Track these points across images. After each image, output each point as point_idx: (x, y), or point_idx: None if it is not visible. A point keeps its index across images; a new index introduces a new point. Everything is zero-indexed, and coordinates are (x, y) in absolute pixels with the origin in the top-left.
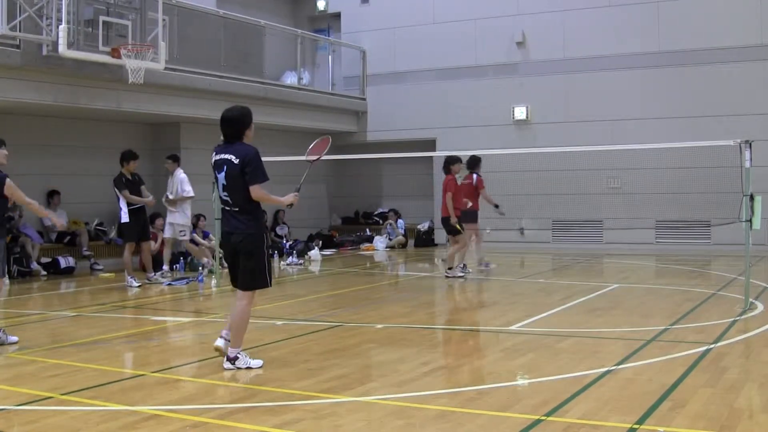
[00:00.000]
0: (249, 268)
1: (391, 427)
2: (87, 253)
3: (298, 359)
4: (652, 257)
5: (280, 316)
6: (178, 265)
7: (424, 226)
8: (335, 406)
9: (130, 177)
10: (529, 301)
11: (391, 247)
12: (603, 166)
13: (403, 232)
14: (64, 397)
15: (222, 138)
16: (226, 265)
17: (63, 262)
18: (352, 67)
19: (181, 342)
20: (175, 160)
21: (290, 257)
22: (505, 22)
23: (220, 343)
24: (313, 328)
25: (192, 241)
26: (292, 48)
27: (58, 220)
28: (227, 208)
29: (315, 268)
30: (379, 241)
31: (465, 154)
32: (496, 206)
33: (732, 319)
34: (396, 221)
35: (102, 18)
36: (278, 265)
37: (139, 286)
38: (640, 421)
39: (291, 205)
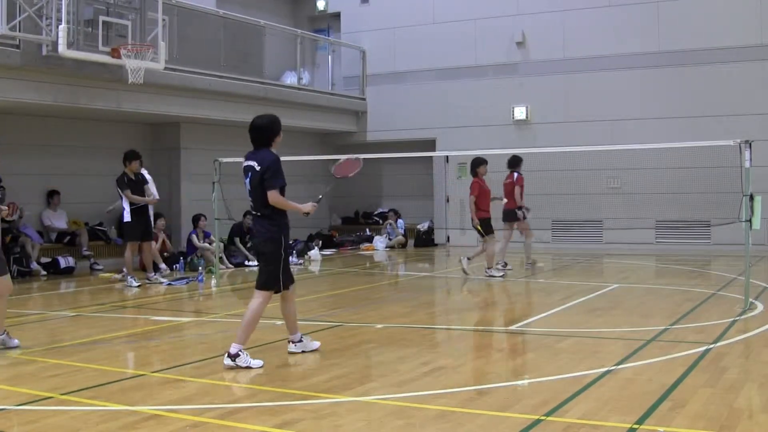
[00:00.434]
0: (264, 270)
1: (391, 427)
2: (87, 253)
3: (298, 359)
4: (652, 257)
5: (280, 316)
6: (177, 265)
7: (423, 226)
8: (335, 406)
9: (133, 177)
10: (529, 301)
11: (391, 247)
12: (603, 166)
13: (402, 232)
14: (64, 397)
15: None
16: (224, 265)
17: (63, 262)
18: (352, 67)
19: (181, 342)
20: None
21: (290, 257)
22: (505, 22)
23: (292, 348)
24: (313, 328)
25: (191, 243)
26: (291, 48)
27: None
28: (253, 212)
29: (315, 268)
30: (379, 241)
31: (465, 154)
32: (519, 208)
33: (732, 319)
34: (396, 221)
35: (102, 18)
36: None
37: (138, 286)
38: (640, 421)
39: (308, 213)
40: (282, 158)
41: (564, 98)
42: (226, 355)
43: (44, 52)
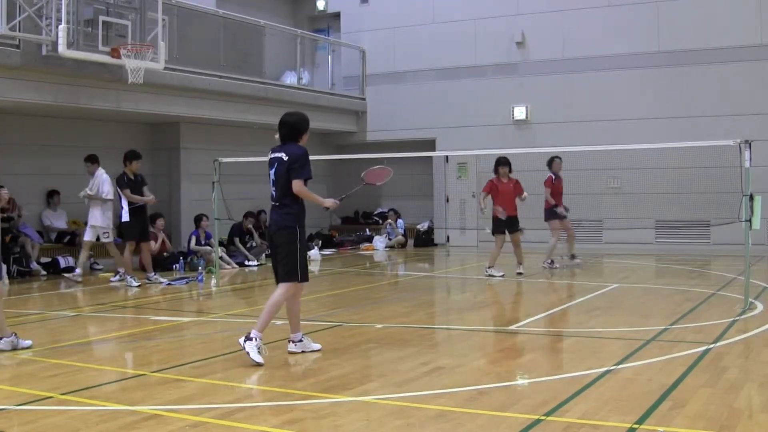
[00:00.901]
0: (283, 261)
1: (391, 427)
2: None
3: (298, 359)
4: (652, 257)
5: (280, 316)
6: (177, 265)
7: (423, 226)
8: (335, 405)
9: (132, 177)
10: (529, 301)
11: (391, 247)
12: (603, 166)
13: (402, 231)
14: (63, 397)
15: (278, 138)
16: (228, 265)
17: (63, 262)
18: (352, 67)
19: (181, 342)
20: (94, 161)
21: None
22: (504, 22)
23: (292, 347)
24: (312, 328)
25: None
26: (291, 48)
27: None
28: (272, 202)
29: (315, 267)
30: (379, 241)
31: (465, 154)
32: (556, 206)
33: (732, 319)
34: (396, 221)
35: (102, 18)
36: None
37: (138, 286)
38: (640, 421)
39: (328, 208)
40: None
41: (564, 98)
42: (244, 338)
43: (44, 52)
